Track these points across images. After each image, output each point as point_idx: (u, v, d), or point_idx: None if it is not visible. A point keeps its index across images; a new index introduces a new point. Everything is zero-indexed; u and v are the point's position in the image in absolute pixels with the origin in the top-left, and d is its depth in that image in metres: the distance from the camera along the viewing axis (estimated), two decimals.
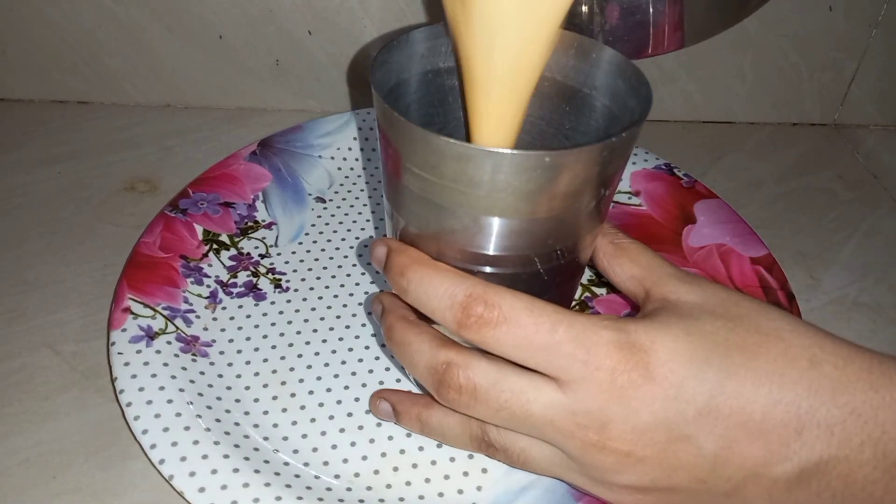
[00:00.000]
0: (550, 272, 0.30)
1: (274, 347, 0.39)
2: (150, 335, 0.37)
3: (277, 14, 0.54)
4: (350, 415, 0.36)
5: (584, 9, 0.40)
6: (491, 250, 0.28)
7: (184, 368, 0.37)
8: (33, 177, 0.50)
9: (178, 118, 0.57)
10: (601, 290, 0.43)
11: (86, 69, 0.56)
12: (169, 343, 0.38)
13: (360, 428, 0.36)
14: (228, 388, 0.37)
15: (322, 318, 0.41)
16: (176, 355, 0.37)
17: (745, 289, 0.42)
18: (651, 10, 0.40)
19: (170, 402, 0.35)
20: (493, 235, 0.27)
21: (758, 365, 0.25)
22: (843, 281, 0.46)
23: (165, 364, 0.36)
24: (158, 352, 0.37)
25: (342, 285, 0.43)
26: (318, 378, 0.38)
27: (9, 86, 0.57)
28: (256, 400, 0.37)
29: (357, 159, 0.52)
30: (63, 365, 0.38)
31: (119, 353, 0.36)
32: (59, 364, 0.38)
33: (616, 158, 0.27)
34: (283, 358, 0.39)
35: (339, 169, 0.51)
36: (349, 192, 0.50)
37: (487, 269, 0.29)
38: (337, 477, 0.34)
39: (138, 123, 0.56)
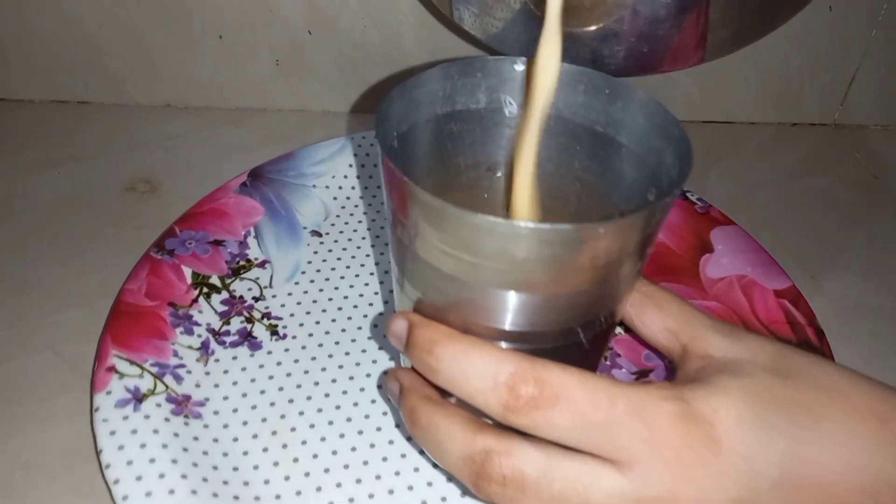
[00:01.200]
0: (592, 339, 0.26)
1: (273, 405, 0.34)
2: (138, 397, 0.32)
3: (277, 14, 0.50)
4: (359, 481, 0.31)
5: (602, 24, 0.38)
6: (532, 327, 0.24)
7: (175, 435, 0.31)
8: (33, 177, 0.47)
9: (178, 118, 0.53)
10: (618, 329, 0.38)
11: (86, 69, 0.52)
12: (158, 405, 0.32)
13: (371, 497, 0.31)
14: (225, 454, 0.32)
15: (323, 369, 0.36)
16: (167, 419, 0.32)
17: (771, 325, 0.38)
18: (673, 25, 0.38)
19: (161, 476, 0.29)
20: (536, 312, 0.24)
21: (825, 427, 0.23)
22: (845, 282, 0.44)
23: (155, 431, 0.31)
24: (147, 416, 0.32)
25: (343, 330, 0.38)
26: (322, 439, 0.33)
27: (9, 86, 0.53)
28: (256, 467, 0.31)
29: (353, 188, 0.46)
30: (64, 367, 0.36)
31: (104, 421, 0.31)
32: (60, 366, 0.36)
33: (666, 213, 0.24)
34: (283, 416, 0.34)
35: (335, 199, 0.46)
36: (346, 224, 0.44)
37: (526, 346, 0.25)
38: None
39: (138, 123, 0.52)
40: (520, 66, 0.29)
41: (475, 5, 0.40)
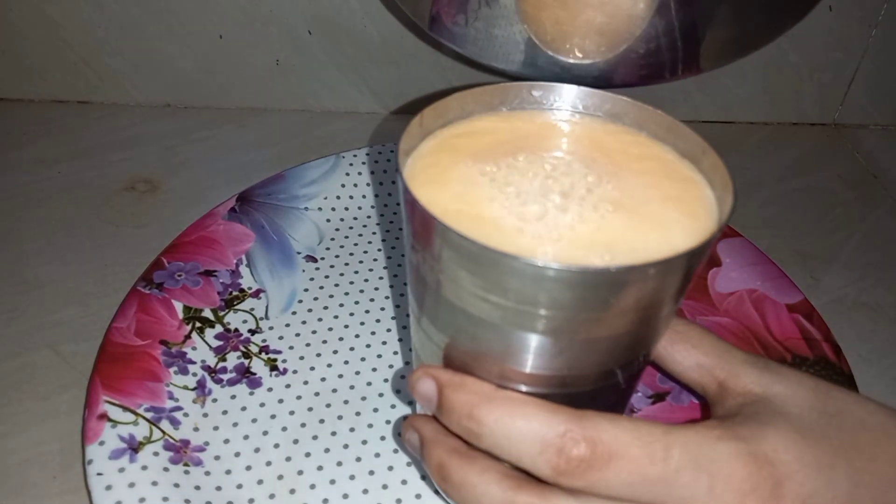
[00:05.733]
0: (629, 379, 0.24)
1: (277, 446, 0.31)
2: (134, 447, 0.29)
3: (277, 14, 0.49)
4: None
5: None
6: (570, 371, 0.22)
7: (176, 485, 0.28)
8: (33, 177, 0.46)
9: (178, 118, 0.52)
10: None
11: (86, 69, 0.51)
12: (156, 454, 0.30)
13: None
14: (230, 503, 0.29)
15: (328, 405, 0.33)
16: (165, 469, 0.29)
17: (786, 341, 0.36)
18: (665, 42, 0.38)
19: None
20: (576, 357, 0.22)
21: (878, 468, 0.22)
22: (843, 281, 0.43)
23: (154, 483, 0.28)
24: (145, 467, 0.29)
25: (346, 362, 0.35)
26: (332, 482, 0.30)
27: (9, 86, 0.52)
28: None
29: (347, 209, 0.43)
30: (63, 365, 0.35)
31: (98, 475, 0.28)
32: (59, 364, 0.35)
33: (711, 248, 0.22)
34: (288, 459, 0.31)
35: (329, 221, 0.43)
36: (342, 247, 0.41)
37: (563, 390, 0.23)
38: None
39: (138, 123, 0.51)
40: (537, 92, 0.28)
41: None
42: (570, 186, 0.24)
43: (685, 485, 0.21)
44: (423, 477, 0.31)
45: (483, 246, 0.19)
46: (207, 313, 0.37)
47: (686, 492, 0.21)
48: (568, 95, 0.28)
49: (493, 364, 0.23)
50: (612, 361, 0.23)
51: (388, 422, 0.33)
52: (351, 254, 0.41)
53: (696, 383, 0.27)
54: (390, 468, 0.31)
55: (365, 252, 0.41)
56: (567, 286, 0.20)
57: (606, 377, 0.23)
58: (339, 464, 0.31)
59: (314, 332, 0.37)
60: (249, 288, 0.39)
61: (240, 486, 0.30)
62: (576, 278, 0.19)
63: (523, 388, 0.23)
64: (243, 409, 0.33)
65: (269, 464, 0.31)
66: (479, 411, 0.22)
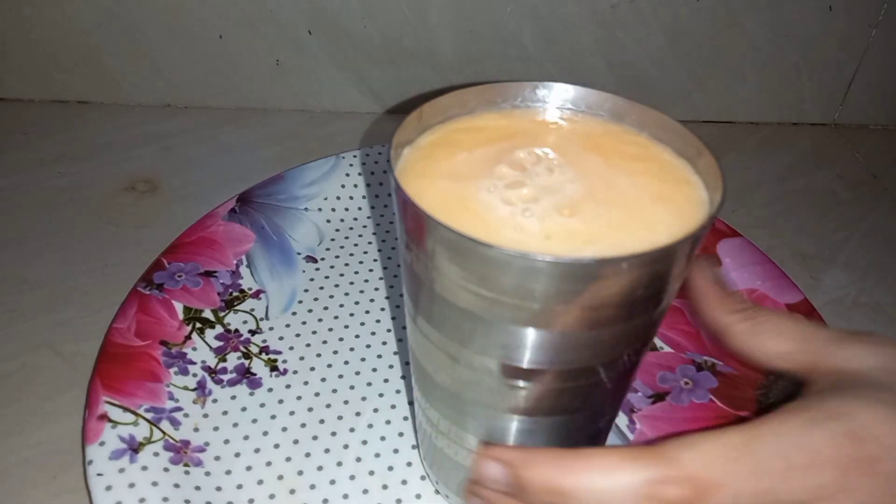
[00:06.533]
0: (614, 379, 0.24)
1: (277, 447, 0.31)
2: (134, 447, 0.29)
3: (277, 14, 0.49)
4: None
5: None
6: (564, 365, 0.22)
7: (176, 486, 0.29)
8: (33, 177, 0.46)
9: (178, 118, 0.53)
10: None
11: (86, 69, 0.52)
12: (156, 454, 0.30)
13: None
14: (230, 503, 0.29)
15: (328, 406, 0.33)
16: (165, 469, 0.29)
17: None
18: None
19: None
20: (567, 351, 0.22)
21: None
22: (844, 280, 0.43)
23: (154, 483, 0.28)
24: (145, 468, 0.29)
25: (346, 362, 0.35)
26: (332, 482, 0.30)
27: (9, 86, 0.52)
28: None
29: (347, 209, 0.44)
30: (63, 365, 0.35)
31: (98, 475, 0.28)
32: (59, 364, 0.35)
33: (698, 245, 0.22)
34: (288, 459, 0.31)
35: (329, 222, 0.43)
36: (342, 248, 0.41)
37: (558, 385, 0.23)
38: None
39: (138, 123, 0.52)
40: (540, 90, 0.28)
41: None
42: (560, 183, 0.24)
43: (790, 487, 0.20)
44: (423, 477, 0.31)
45: (468, 238, 0.19)
46: (208, 314, 0.37)
47: (792, 488, 0.20)
48: (569, 95, 0.28)
49: (486, 358, 0.23)
50: (604, 354, 0.23)
51: (388, 422, 0.33)
52: (351, 254, 0.41)
53: (785, 371, 0.26)
54: (390, 468, 0.31)
55: (365, 252, 0.41)
56: (552, 278, 0.20)
57: (600, 371, 0.23)
58: (339, 464, 0.31)
59: (314, 332, 0.37)
60: (249, 288, 0.39)
61: (240, 487, 0.30)
62: (560, 269, 0.19)
63: (520, 384, 0.23)
64: (243, 409, 0.33)
65: (269, 464, 0.31)
66: (558, 483, 0.21)
